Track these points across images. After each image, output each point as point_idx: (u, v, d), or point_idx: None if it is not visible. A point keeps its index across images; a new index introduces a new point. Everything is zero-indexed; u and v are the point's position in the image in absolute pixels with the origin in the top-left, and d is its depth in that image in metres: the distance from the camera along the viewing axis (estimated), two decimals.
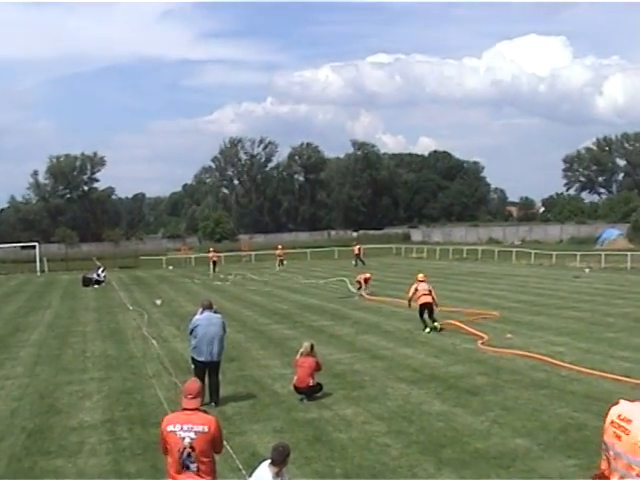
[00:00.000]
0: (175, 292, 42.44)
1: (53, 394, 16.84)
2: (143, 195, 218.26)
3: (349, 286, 38.79)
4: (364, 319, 27.65)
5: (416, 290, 24.63)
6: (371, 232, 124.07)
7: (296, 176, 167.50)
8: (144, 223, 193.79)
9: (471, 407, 14.38)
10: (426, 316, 24.41)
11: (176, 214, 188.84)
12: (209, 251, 64.59)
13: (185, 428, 7.74)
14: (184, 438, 7.71)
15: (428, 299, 24.50)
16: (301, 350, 15.77)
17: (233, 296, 38.41)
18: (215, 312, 15.51)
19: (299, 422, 13.73)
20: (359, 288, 37.15)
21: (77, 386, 17.57)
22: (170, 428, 7.83)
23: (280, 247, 65.54)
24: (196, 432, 7.73)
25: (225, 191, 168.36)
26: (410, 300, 24.82)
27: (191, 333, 15.12)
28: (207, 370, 14.97)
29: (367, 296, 35.28)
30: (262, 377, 17.84)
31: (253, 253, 78.35)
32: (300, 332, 24.77)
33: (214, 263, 60.14)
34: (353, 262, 61.04)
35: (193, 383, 8.17)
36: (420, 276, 25.47)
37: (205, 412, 8.03)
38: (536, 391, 15.52)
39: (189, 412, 7.86)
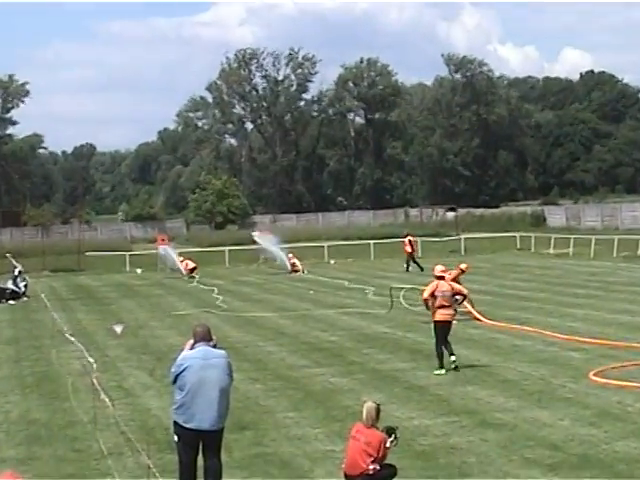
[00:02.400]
0: (147, 312, 42.81)
1: None
2: (92, 148, 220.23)
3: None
4: (466, 359, 27.56)
5: (433, 295, 24.90)
6: (478, 211, 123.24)
7: (351, 116, 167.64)
8: (93, 196, 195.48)
9: None
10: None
11: (148, 180, 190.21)
12: (184, 259, 65.11)
13: None
14: None
15: (446, 315, 24.94)
16: (364, 414, 15.42)
17: (245, 319, 38.61)
18: (215, 346, 15.50)
19: None
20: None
21: None
22: None
23: (291, 254, 69.17)
24: None
25: (231, 141, 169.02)
26: (427, 306, 25.61)
27: (175, 382, 15.15)
28: (201, 444, 15.00)
29: (483, 318, 34.70)
30: (294, 457, 17.90)
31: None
32: (358, 381, 24.85)
33: (192, 270, 61.56)
34: (404, 265, 61.99)
35: None
36: (438, 269, 25.77)
37: None
38: None
39: None
